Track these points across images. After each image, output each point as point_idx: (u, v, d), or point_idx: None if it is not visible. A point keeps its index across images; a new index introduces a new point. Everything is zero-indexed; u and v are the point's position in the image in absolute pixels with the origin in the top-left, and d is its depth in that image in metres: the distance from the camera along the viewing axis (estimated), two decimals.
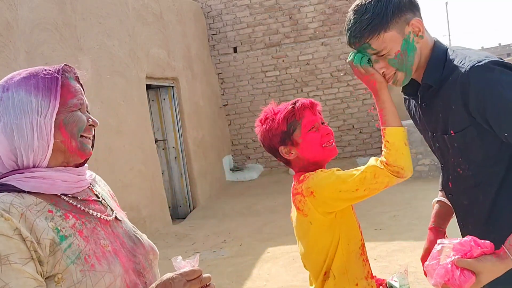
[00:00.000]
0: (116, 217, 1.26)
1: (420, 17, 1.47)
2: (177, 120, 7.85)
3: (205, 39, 9.61)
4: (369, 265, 1.65)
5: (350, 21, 1.45)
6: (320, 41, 9.40)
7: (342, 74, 9.39)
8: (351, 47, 1.50)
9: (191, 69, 8.54)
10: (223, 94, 9.90)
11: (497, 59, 1.36)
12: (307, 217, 1.56)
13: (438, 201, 1.78)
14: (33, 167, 1.12)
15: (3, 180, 1.09)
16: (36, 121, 1.10)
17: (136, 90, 6.56)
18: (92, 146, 1.26)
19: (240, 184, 9.11)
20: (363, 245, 1.64)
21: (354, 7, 1.45)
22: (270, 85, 9.65)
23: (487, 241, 1.28)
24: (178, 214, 7.76)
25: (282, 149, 1.63)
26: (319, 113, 1.65)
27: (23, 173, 1.11)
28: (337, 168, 1.58)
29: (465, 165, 1.47)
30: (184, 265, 1.15)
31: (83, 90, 1.24)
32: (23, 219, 1.04)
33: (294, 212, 1.67)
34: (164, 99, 7.87)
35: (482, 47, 48.34)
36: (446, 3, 31.39)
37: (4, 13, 4.33)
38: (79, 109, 1.19)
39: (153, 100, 7.81)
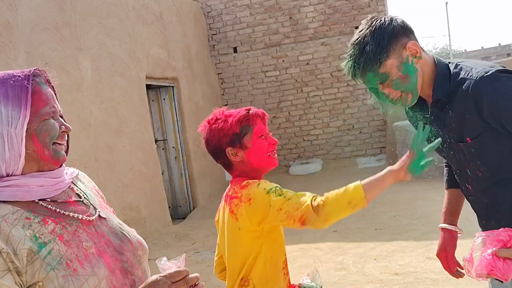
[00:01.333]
0: (100, 215, 1.23)
1: (415, 39, 1.56)
2: (177, 120, 7.85)
3: (205, 39, 9.61)
4: (289, 277, 1.75)
5: (352, 55, 1.53)
6: (320, 41, 9.40)
7: (342, 74, 9.39)
8: (354, 79, 1.57)
9: (191, 69, 8.54)
10: (223, 94, 9.90)
11: (501, 67, 1.48)
12: (238, 222, 1.60)
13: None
14: (6, 175, 1.10)
15: None
16: (7, 132, 1.07)
17: (136, 90, 6.56)
18: (67, 151, 1.24)
19: None
20: (286, 260, 1.72)
21: (354, 41, 1.54)
22: (270, 85, 9.66)
23: None
24: (178, 214, 7.77)
25: (229, 150, 1.68)
26: (266, 125, 1.75)
27: None
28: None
29: (483, 168, 1.56)
30: (169, 266, 1.13)
31: (55, 93, 1.21)
32: None
33: (222, 215, 1.73)
34: (164, 99, 7.87)
35: (482, 47, 48.29)
36: (446, 3, 31.35)
37: (4, 13, 4.33)
38: (52, 117, 1.16)
39: (153, 100, 7.82)
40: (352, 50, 1.53)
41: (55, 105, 1.17)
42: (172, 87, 7.86)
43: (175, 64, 7.85)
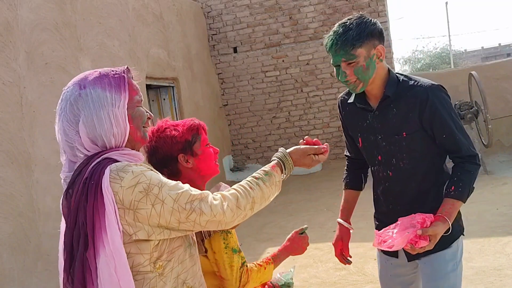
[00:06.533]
0: None
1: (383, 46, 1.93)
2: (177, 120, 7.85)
3: (205, 39, 9.61)
4: None
5: (337, 32, 1.84)
6: (320, 41, 9.38)
7: None
8: (330, 53, 1.87)
9: (191, 69, 8.54)
10: (223, 94, 9.90)
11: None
12: None
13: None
14: (115, 147, 1.34)
15: (106, 155, 1.30)
16: (112, 112, 1.32)
17: None
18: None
19: None
20: None
21: (341, 23, 1.86)
22: (270, 85, 9.66)
23: (429, 214, 1.79)
24: None
25: (181, 157, 1.74)
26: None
27: (118, 150, 1.33)
28: None
29: (406, 160, 1.96)
30: None
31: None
32: None
33: None
34: (164, 99, 7.87)
35: (482, 47, 48.28)
36: (446, 3, 31.37)
37: (4, 13, 4.33)
38: (140, 105, 1.42)
39: (153, 100, 7.81)
40: (338, 28, 1.85)
41: (141, 95, 1.43)
42: (172, 87, 7.86)
43: (175, 64, 7.86)
